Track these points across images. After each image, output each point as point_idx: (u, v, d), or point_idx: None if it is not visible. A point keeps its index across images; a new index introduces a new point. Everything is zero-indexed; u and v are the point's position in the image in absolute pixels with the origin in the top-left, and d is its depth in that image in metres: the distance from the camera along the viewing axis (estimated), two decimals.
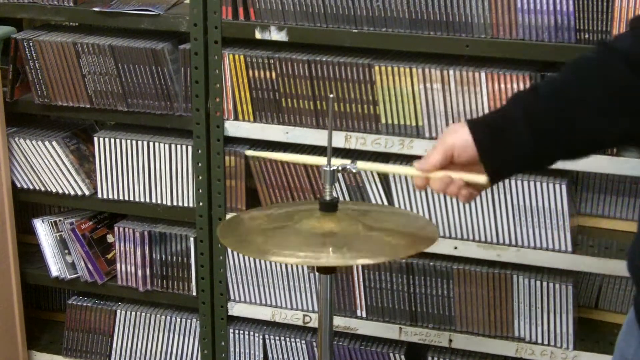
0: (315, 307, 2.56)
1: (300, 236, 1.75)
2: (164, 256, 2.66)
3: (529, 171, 1.63)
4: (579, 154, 1.52)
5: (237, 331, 2.66)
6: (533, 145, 1.46)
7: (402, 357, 2.54)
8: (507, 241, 2.35)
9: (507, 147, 1.48)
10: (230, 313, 2.64)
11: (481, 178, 1.52)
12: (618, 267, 2.29)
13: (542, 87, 1.48)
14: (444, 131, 1.57)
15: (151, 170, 2.60)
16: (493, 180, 1.53)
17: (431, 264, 2.43)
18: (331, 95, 1.81)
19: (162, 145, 2.57)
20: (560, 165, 2.22)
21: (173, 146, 2.56)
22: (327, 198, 1.78)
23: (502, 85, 2.23)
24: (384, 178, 2.39)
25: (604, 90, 1.40)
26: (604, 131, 1.43)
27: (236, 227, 1.91)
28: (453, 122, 2.29)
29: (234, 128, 2.47)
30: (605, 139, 1.46)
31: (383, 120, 2.34)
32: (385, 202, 2.40)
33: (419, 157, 2.34)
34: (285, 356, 2.65)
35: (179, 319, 2.74)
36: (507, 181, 2.29)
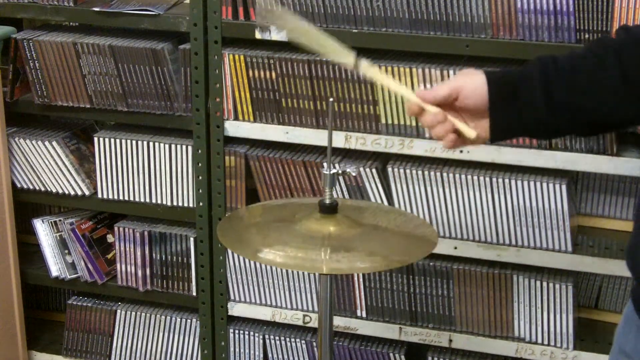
0: (315, 307, 2.56)
1: (299, 238, 1.75)
2: (164, 256, 2.66)
3: (530, 136, 1.61)
4: (588, 132, 1.50)
5: (237, 331, 2.66)
6: (545, 114, 1.45)
7: (402, 357, 2.54)
8: (507, 241, 2.35)
9: (519, 106, 1.46)
10: (230, 313, 2.64)
11: (471, 132, 1.49)
12: (618, 267, 2.29)
13: (563, 60, 1.47)
14: (457, 73, 1.53)
15: (151, 170, 2.60)
16: (494, 139, 1.50)
17: (431, 264, 2.43)
18: (331, 99, 1.82)
19: (162, 145, 2.57)
20: (560, 165, 2.25)
21: (173, 146, 2.56)
22: (327, 201, 1.78)
23: None
24: (384, 178, 2.39)
25: (621, 73, 1.40)
26: (616, 113, 1.43)
27: (236, 225, 1.91)
28: None
29: (234, 128, 2.47)
30: (617, 120, 1.46)
31: (383, 120, 2.34)
32: (385, 202, 2.40)
33: (419, 157, 2.37)
34: (285, 356, 2.65)
35: (179, 319, 2.74)
36: (507, 181, 2.29)
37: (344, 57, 1.60)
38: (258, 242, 1.80)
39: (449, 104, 1.51)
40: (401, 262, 1.76)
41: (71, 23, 2.73)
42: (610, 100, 1.42)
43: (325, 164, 1.81)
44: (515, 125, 1.49)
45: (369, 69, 1.59)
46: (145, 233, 2.65)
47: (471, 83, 1.49)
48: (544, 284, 2.37)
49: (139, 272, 2.68)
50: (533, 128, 1.49)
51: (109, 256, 2.75)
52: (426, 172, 2.34)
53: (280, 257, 1.71)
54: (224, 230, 1.86)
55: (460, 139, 1.52)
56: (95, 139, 2.62)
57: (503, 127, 1.50)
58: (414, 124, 2.32)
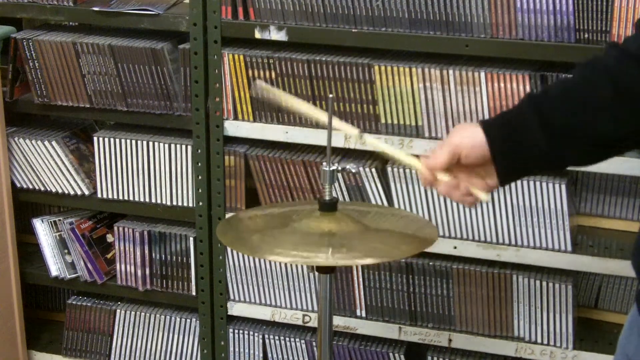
0: (315, 307, 2.56)
1: (298, 235, 1.75)
2: (163, 256, 2.66)
3: (539, 173, 1.63)
4: (592, 159, 1.50)
5: (236, 331, 2.66)
6: (546, 146, 1.44)
7: (402, 356, 2.54)
8: (506, 241, 2.35)
9: (521, 147, 1.46)
10: (229, 313, 2.64)
11: (483, 196, 1.51)
12: (618, 267, 2.29)
13: (554, 89, 1.47)
14: (451, 130, 1.55)
15: (151, 170, 2.60)
16: (503, 182, 1.51)
17: (431, 263, 2.43)
18: (331, 95, 1.82)
19: (161, 145, 2.57)
20: None
21: (173, 146, 2.56)
22: (327, 198, 1.78)
23: (502, 85, 2.23)
24: (383, 178, 2.39)
25: (615, 93, 1.38)
26: (616, 131, 1.41)
27: (236, 225, 1.91)
28: (453, 121, 2.29)
29: (233, 128, 2.47)
30: (618, 138, 1.44)
31: (383, 120, 2.34)
32: (385, 203, 2.40)
33: (418, 157, 2.36)
34: (285, 356, 2.65)
35: (178, 319, 2.74)
36: None
37: (349, 130, 1.73)
38: (257, 240, 1.80)
39: (456, 165, 1.52)
40: (404, 253, 1.75)
41: (71, 23, 2.73)
42: (605, 118, 1.40)
43: (324, 162, 1.81)
44: (520, 166, 1.50)
45: (373, 142, 1.68)
46: (145, 233, 2.65)
47: (468, 141, 1.49)
48: (544, 283, 2.37)
49: (139, 272, 2.68)
50: (539, 165, 1.49)
51: (109, 256, 2.75)
52: None
53: (280, 254, 1.71)
54: (224, 231, 1.86)
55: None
56: (95, 139, 2.62)
57: (510, 172, 1.51)
58: (413, 123, 2.32)
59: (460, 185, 1.52)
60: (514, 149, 1.47)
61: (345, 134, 1.73)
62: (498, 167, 1.49)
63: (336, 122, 1.70)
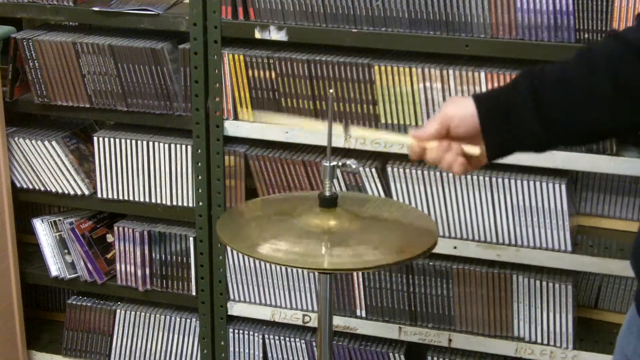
0: (315, 307, 2.56)
1: (298, 234, 1.75)
2: (163, 256, 2.66)
3: (529, 151, 1.64)
4: (585, 141, 1.50)
5: (236, 331, 2.66)
6: (539, 128, 1.44)
7: (402, 356, 2.54)
8: (506, 241, 2.35)
9: (513, 125, 1.46)
10: (229, 313, 2.64)
11: (475, 149, 1.50)
12: (618, 267, 2.29)
13: (551, 74, 1.45)
14: (443, 103, 1.55)
15: (151, 170, 2.60)
16: (492, 157, 1.51)
17: (431, 263, 2.43)
18: (331, 91, 1.82)
19: (161, 145, 2.57)
20: (560, 165, 2.25)
21: (173, 146, 2.56)
22: (327, 193, 1.79)
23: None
24: (383, 178, 2.39)
25: (613, 83, 1.38)
26: (611, 122, 1.41)
27: (236, 219, 1.92)
28: None
29: (233, 128, 2.47)
30: (612, 129, 1.45)
31: (383, 120, 2.34)
32: None
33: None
34: (285, 356, 2.65)
35: (178, 319, 2.74)
36: (506, 181, 2.29)
37: (335, 128, 1.74)
38: (256, 237, 1.80)
39: (445, 136, 1.52)
40: (403, 256, 1.75)
41: (71, 23, 2.73)
42: (602, 108, 1.40)
43: (325, 159, 1.81)
44: (510, 144, 1.50)
45: (359, 131, 1.73)
46: (145, 233, 2.65)
47: (459, 111, 1.49)
48: (544, 283, 2.37)
49: (139, 272, 2.68)
50: (528, 144, 1.49)
51: (109, 256, 2.75)
52: (426, 172, 2.34)
53: (277, 252, 1.71)
54: (224, 225, 1.86)
55: (470, 163, 1.53)
56: (95, 139, 2.62)
57: (498, 147, 1.50)
58: (413, 123, 2.32)
59: (451, 146, 1.51)
60: (505, 126, 1.47)
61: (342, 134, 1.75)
62: (487, 141, 1.49)
63: (316, 122, 1.71)
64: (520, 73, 1.49)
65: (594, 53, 1.43)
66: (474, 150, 1.51)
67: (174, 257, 2.65)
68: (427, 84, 2.28)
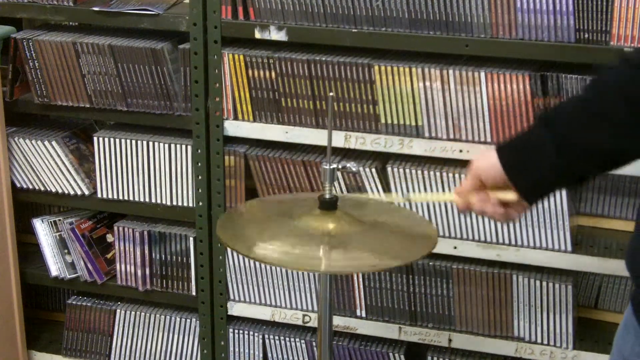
0: (315, 307, 2.56)
1: (297, 235, 1.75)
2: (163, 256, 2.66)
3: (564, 187, 1.71)
4: (603, 168, 1.52)
5: (236, 331, 2.66)
6: (561, 164, 1.48)
7: (402, 356, 2.54)
8: (506, 241, 2.35)
9: (535, 166, 1.51)
10: (229, 313, 2.64)
11: (510, 195, 1.57)
12: (618, 267, 2.29)
13: (565, 105, 1.53)
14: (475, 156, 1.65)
15: (151, 170, 2.60)
16: (529, 200, 1.56)
17: (431, 263, 2.43)
18: (331, 94, 1.82)
19: (161, 145, 2.57)
20: None
21: (173, 146, 2.56)
22: (327, 196, 1.79)
23: (502, 85, 2.23)
24: (383, 178, 2.39)
25: (629, 108, 1.40)
26: (628, 144, 1.43)
27: (236, 220, 1.92)
28: (452, 121, 2.29)
29: (233, 128, 2.47)
30: (630, 151, 1.46)
31: (383, 120, 2.34)
32: None
33: (418, 157, 2.37)
34: (285, 356, 2.65)
35: (178, 319, 2.74)
36: None
37: (393, 197, 2.03)
38: (255, 238, 1.80)
39: (482, 187, 1.61)
40: (402, 260, 1.77)
41: (71, 23, 2.73)
42: (617, 131, 1.41)
43: (325, 161, 1.81)
44: (537, 182, 1.54)
45: (419, 197, 2.02)
46: (145, 233, 2.65)
47: (485, 163, 1.58)
48: (544, 283, 2.37)
49: (139, 272, 2.68)
50: (550, 177, 1.53)
51: (109, 256, 2.75)
52: (426, 172, 2.34)
53: (275, 253, 1.71)
54: (224, 225, 1.86)
55: (513, 209, 1.61)
56: (95, 139, 2.62)
57: (530, 190, 1.55)
58: (413, 123, 2.32)
59: (489, 196, 1.60)
60: (529, 169, 1.53)
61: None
62: (515, 186, 1.55)
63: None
64: (536, 115, 1.55)
65: (604, 79, 1.47)
66: (509, 196, 1.58)
67: (174, 257, 2.65)
68: (427, 84, 2.28)
